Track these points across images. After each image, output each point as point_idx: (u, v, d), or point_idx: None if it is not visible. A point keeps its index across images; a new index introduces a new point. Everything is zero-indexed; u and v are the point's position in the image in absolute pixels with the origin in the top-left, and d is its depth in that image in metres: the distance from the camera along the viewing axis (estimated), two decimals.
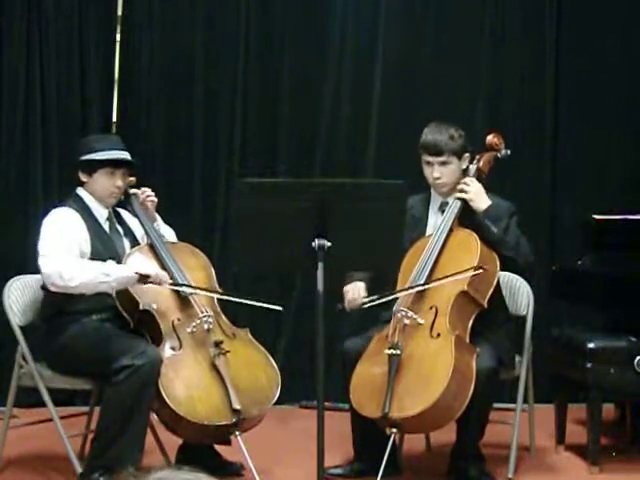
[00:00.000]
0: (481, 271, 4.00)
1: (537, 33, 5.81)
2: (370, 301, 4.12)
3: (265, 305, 4.06)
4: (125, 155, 4.16)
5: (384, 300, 4.08)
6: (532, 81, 5.82)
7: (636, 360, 4.32)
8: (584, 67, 5.81)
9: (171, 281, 4.06)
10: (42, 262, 3.99)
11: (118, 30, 5.61)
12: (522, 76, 5.82)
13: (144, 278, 3.96)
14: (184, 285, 4.09)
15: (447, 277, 4.02)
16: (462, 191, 4.21)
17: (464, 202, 4.22)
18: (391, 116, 5.76)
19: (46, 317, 4.15)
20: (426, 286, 4.07)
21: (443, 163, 4.24)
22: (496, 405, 4.27)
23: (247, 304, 4.11)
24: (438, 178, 4.25)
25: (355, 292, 4.22)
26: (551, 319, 5.30)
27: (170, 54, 5.72)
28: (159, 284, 4.00)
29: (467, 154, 4.30)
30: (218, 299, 4.24)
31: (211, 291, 4.21)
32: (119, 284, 3.97)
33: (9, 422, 4.27)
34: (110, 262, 4.01)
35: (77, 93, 5.58)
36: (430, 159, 4.25)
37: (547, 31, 5.78)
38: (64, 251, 3.97)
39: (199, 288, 4.15)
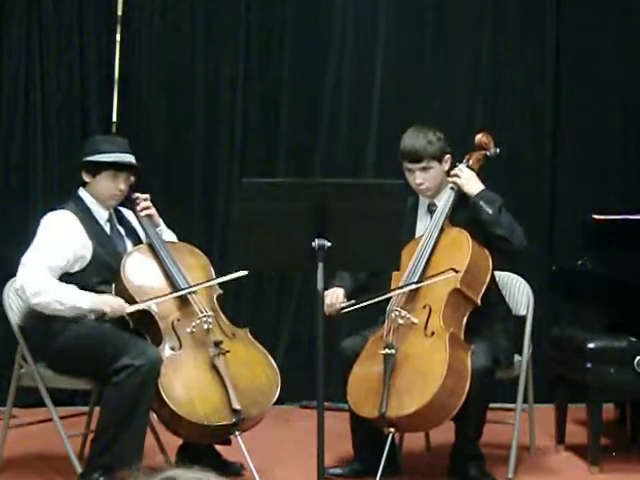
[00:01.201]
0: (452, 274, 3.98)
1: (537, 32, 5.81)
2: (349, 306, 4.12)
3: (230, 277, 4.05)
4: (130, 159, 4.15)
5: (362, 305, 4.07)
6: (532, 81, 5.82)
7: (636, 360, 4.32)
8: (584, 67, 5.81)
9: (126, 309, 3.99)
10: (19, 272, 4.01)
11: (118, 30, 5.61)
12: (522, 76, 5.82)
13: (100, 316, 3.95)
14: (147, 301, 4.04)
15: (429, 278, 4.04)
16: (455, 176, 4.23)
17: (458, 192, 4.22)
18: (391, 116, 5.75)
19: (46, 317, 4.14)
20: (406, 289, 4.07)
21: (424, 169, 4.24)
22: (496, 405, 4.28)
23: (216, 282, 4.16)
24: (421, 184, 4.26)
25: (333, 297, 4.21)
26: (551, 319, 5.30)
27: (170, 54, 5.72)
28: (118, 314, 3.98)
29: (448, 155, 4.30)
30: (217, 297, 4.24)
31: (201, 284, 4.15)
32: (73, 313, 3.96)
33: (9, 422, 4.27)
34: (72, 287, 3.97)
35: (77, 93, 5.59)
36: (410, 166, 4.26)
37: (547, 30, 5.78)
38: (43, 265, 3.97)
39: (161, 296, 4.07)
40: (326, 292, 4.21)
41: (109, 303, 3.98)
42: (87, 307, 3.95)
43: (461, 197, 4.24)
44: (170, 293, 4.09)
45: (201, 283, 4.17)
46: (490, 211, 4.15)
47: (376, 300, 4.10)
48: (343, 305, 4.17)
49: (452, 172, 4.25)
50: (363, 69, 5.79)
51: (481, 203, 4.17)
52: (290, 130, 5.77)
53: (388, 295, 4.12)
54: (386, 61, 5.76)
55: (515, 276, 4.54)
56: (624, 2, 5.85)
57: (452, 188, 4.25)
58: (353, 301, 4.13)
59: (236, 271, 3.99)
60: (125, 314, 4.00)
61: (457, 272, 4.00)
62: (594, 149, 5.81)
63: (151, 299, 4.05)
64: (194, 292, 4.13)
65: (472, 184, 4.22)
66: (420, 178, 4.24)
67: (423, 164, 4.23)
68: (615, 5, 5.84)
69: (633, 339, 4.38)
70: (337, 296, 4.22)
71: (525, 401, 4.50)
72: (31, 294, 3.93)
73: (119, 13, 5.61)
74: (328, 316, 4.19)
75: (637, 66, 5.81)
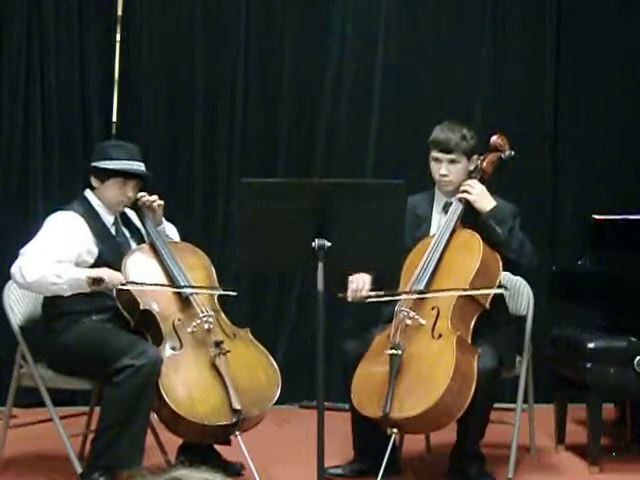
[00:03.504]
0: (502, 291, 4.01)
1: (537, 32, 5.81)
2: (376, 296, 4.09)
3: (220, 292, 4.16)
4: (140, 166, 4.15)
5: (389, 299, 4.05)
6: (532, 80, 5.82)
7: (636, 360, 4.32)
8: (584, 66, 5.81)
9: (124, 282, 4.00)
10: (17, 260, 3.97)
11: (118, 30, 5.60)
12: (522, 76, 5.82)
13: (97, 282, 3.93)
14: (138, 284, 4.03)
15: (450, 290, 4.03)
16: (465, 192, 4.21)
17: (467, 203, 4.22)
18: (391, 116, 5.76)
19: (46, 317, 4.15)
20: (431, 295, 4.06)
21: (452, 161, 4.24)
22: (496, 405, 4.27)
23: (204, 293, 4.17)
24: (445, 175, 4.24)
25: (360, 283, 4.17)
26: (551, 319, 5.30)
27: (170, 54, 5.72)
28: (113, 287, 3.98)
29: (476, 156, 4.30)
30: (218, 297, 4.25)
31: (171, 286, 4.13)
32: (71, 287, 3.93)
33: (9, 422, 4.27)
34: (68, 265, 3.96)
35: (77, 93, 5.58)
36: (439, 155, 4.24)
37: (547, 30, 5.79)
38: (38, 252, 3.95)
39: (164, 285, 4.11)
40: (351, 277, 4.19)
41: (106, 271, 3.96)
42: (84, 276, 3.90)
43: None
44: (167, 286, 4.11)
45: (198, 287, 4.17)
46: (500, 231, 4.15)
47: (404, 297, 4.06)
48: (371, 294, 4.13)
49: (462, 187, 4.23)
50: (363, 69, 5.79)
51: (491, 223, 4.16)
52: (290, 130, 5.77)
53: (417, 295, 4.08)
54: (386, 61, 5.76)
55: (515, 276, 4.54)
56: (624, 2, 5.86)
57: (460, 200, 4.24)
58: (381, 292, 4.08)
59: (228, 289, 4.14)
60: (119, 287, 3.96)
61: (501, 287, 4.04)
62: (594, 149, 5.81)
63: (150, 284, 4.05)
64: (194, 293, 4.13)
65: (484, 201, 4.19)
66: (445, 169, 4.24)
67: (453, 156, 4.22)
68: (615, 5, 5.84)
69: (633, 339, 4.38)
70: (364, 282, 4.17)
71: (525, 401, 4.50)
72: (27, 273, 3.89)
73: (119, 13, 5.60)
74: (351, 301, 4.17)
75: (637, 66, 5.81)
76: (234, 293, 4.17)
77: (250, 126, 5.75)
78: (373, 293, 4.12)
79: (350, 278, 4.20)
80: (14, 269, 3.95)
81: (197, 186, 5.72)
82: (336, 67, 5.77)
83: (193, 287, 4.14)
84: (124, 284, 3.98)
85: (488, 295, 4.08)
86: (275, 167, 5.74)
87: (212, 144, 5.74)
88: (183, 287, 4.12)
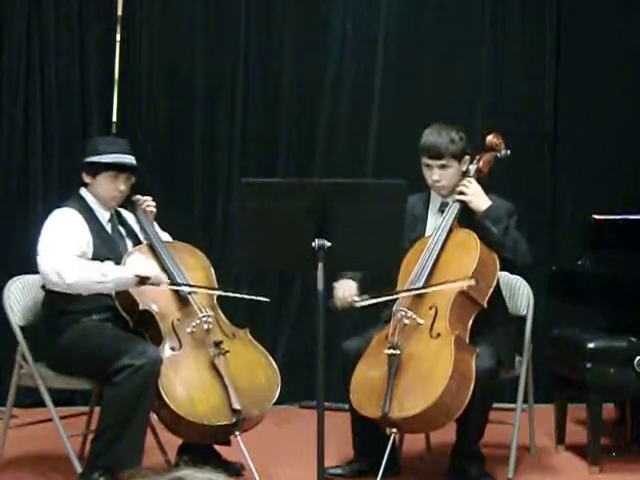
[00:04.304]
0: (473, 283, 3.99)
1: (537, 32, 5.82)
2: (362, 300, 4.09)
3: (252, 297, 4.16)
4: (130, 160, 4.15)
5: (377, 301, 4.05)
6: (532, 80, 5.82)
7: (636, 360, 4.32)
8: (584, 66, 5.81)
9: (169, 281, 4.06)
10: (40, 260, 3.98)
11: (118, 30, 5.61)
12: (522, 76, 5.83)
13: (143, 280, 3.96)
14: (183, 284, 4.09)
15: (442, 284, 4.02)
16: (461, 193, 4.22)
17: (464, 203, 4.22)
18: (391, 116, 5.76)
19: (46, 317, 4.15)
20: (421, 290, 4.05)
21: (443, 166, 4.23)
22: (496, 405, 4.27)
23: (235, 297, 4.23)
24: (437, 181, 4.25)
25: (346, 290, 4.19)
26: (551, 319, 5.30)
27: (170, 54, 5.72)
28: (158, 285, 4.00)
29: (467, 156, 4.30)
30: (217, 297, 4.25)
31: (210, 289, 4.21)
32: (117, 285, 3.96)
33: (9, 422, 4.27)
34: (109, 263, 4.00)
35: (77, 93, 5.59)
36: (430, 162, 4.24)
37: (547, 30, 5.79)
38: (63, 250, 3.97)
39: (198, 287, 4.15)
40: (336, 284, 4.20)
41: (149, 269, 3.99)
42: (132, 275, 3.93)
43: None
44: (206, 288, 4.17)
45: (229, 291, 4.24)
46: (495, 231, 4.15)
47: (390, 298, 4.07)
48: (357, 299, 4.14)
49: (458, 188, 4.23)
50: (363, 69, 5.80)
51: (486, 222, 4.16)
52: (290, 130, 5.78)
53: (403, 295, 4.08)
54: (386, 61, 5.76)
55: (515, 276, 4.54)
56: (624, 2, 5.86)
57: (456, 201, 4.23)
58: (366, 296, 4.09)
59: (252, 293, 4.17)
60: (165, 286, 4.02)
61: (472, 279, 3.99)
62: (594, 149, 5.81)
63: (188, 285, 4.08)
64: (194, 292, 4.14)
65: (479, 200, 4.20)
66: (437, 175, 4.24)
67: (443, 162, 4.22)
68: (615, 5, 5.85)
69: (633, 339, 4.38)
70: (350, 287, 4.19)
71: (525, 401, 4.50)
72: (67, 274, 3.90)
73: (119, 13, 5.60)
74: (340, 309, 4.18)
75: (637, 66, 5.81)
76: (267, 299, 4.20)
77: (250, 126, 5.75)
78: (359, 298, 4.12)
79: (335, 285, 4.20)
80: (46, 269, 3.94)
81: (197, 186, 5.73)
82: (336, 67, 5.77)
83: (228, 290, 4.22)
84: (167, 283, 4.02)
85: (486, 295, 4.09)
86: (275, 167, 5.74)
87: (212, 144, 5.74)
88: (223, 291, 4.19)
